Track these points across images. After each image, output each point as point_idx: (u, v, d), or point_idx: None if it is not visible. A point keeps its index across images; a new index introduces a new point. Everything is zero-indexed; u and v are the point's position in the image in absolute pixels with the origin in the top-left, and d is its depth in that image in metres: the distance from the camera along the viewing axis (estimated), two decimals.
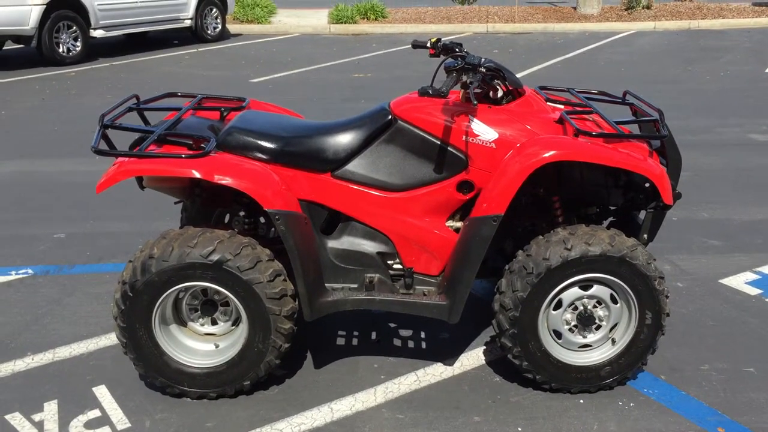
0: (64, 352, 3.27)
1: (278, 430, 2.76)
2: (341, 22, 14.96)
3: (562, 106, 3.25)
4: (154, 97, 3.44)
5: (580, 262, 2.77)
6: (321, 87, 9.31)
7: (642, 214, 3.32)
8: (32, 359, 3.22)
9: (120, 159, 2.81)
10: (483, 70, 2.91)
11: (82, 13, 11.21)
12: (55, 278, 4.01)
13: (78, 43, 11.25)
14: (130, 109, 3.20)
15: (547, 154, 2.72)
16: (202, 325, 3.00)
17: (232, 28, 14.71)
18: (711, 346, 3.30)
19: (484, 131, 2.94)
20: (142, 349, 2.85)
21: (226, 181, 2.70)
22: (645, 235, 3.13)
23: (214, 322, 2.99)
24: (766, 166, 5.95)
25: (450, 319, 2.91)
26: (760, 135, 6.91)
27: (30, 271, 4.10)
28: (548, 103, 3.28)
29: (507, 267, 2.90)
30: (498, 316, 2.88)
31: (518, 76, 10.03)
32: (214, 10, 13.41)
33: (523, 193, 3.14)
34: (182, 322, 2.98)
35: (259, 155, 2.97)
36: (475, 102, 2.77)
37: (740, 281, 3.88)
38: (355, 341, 3.37)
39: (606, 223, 3.41)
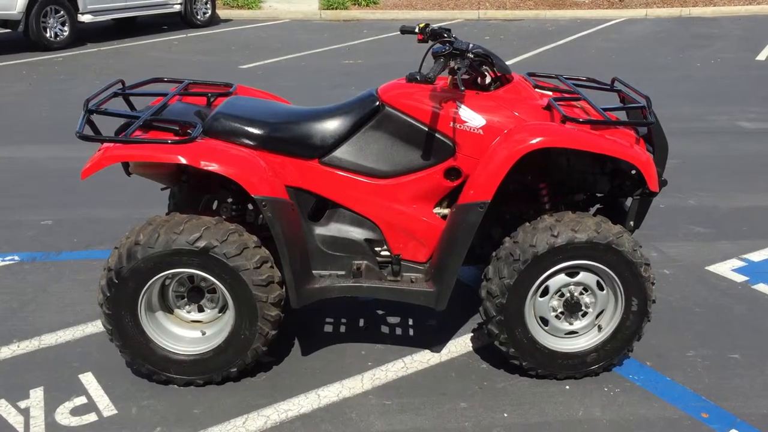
0: (50, 339, 3.26)
1: (266, 417, 2.76)
2: (332, 8, 14.89)
3: (550, 93, 3.24)
4: (140, 82, 3.41)
5: (567, 248, 2.78)
6: (311, 73, 9.27)
7: (629, 201, 3.32)
8: (18, 346, 3.21)
9: (105, 144, 2.79)
10: (471, 55, 2.90)
11: None
12: (42, 265, 3.99)
13: (65, 28, 11.16)
14: (115, 95, 3.18)
15: (533, 141, 2.71)
16: (189, 312, 2.99)
17: (222, 13, 14.61)
18: (697, 332, 3.31)
19: (471, 117, 2.93)
20: (128, 336, 2.84)
21: (213, 167, 2.69)
22: (631, 222, 3.13)
23: (200, 309, 2.99)
24: (753, 153, 5.97)
25: (437, 306, 2.91)
26: (748, 123, 6.93)
27: (17, 257, 4.08)
28: (537, 90, 3.28)
29: (494, 254, 2.90)
30: (485, 302, 2.89)
31: (510, 63, 10.06)
32: None
33: (511, 180, 3.14)
34: (169, 309, 2.97)
35: (246, 141, 2.95)
36: (463, 88, 2.76)
37: (726, 268, 3.90)
38: (342, 328, 3.37)
39: (593, 210, 3.41)
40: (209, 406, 2.81)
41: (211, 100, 3.31)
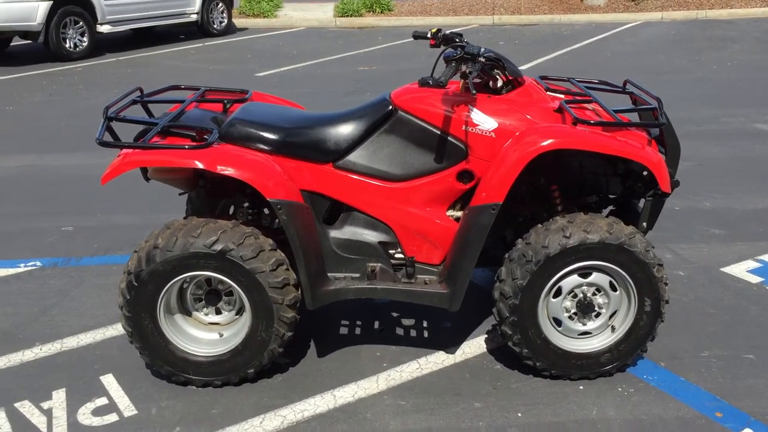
0: (71, 342, 3.33)
1: (282, 417, 2.80)
2: (347, 16, 14.98)
3: (561, 96, 3.27)
4: (158, 89, 3.48)
5: (579, 249, 2.80)
6: (326, 80, 9.34)
7: (642, 203, 3.34)
8: (40, 349, 3.28)
9: (124, 151, 2.85)
10: (482, 59, 2.94)
11: (89, 8, 11.27)
12: (63, 270, 4.06)
13: (84, 39, 11.31)
14: (134, 102, 3.25)
15: (545, 143, 2.74)
16: (207, 314, 3.04)
17: (239, 22, 14.75)
18: (711, 333, 3.32)
19: (483, 121, 2.96)
20: (147, 338, 2.90)
21: (229, 171, 2.74)
22: (644, 224, 3.15)
23: (218, 312, 3.04)
24: None
25: (451, 308, 2.94)
26: (765, 125, 6.90)
27: (38, 263, 4.16)
28: (548, 93, 3.31)
29: (507, 255, 2.93)
30: (498, 304, 2.91)
31: (525, 67, 10.09)
32: (220, 4, 13.46)
33: (523, 182, 3.17)
34: (187, 312, 3.03)
35: (262, 146, 3.00)
36: (474, 91, 2.80)
37: (742, 269, 3.90)
38: (358, 330, 3.40)
39: (606, 211, 3.43)
40: (227, 407, 2.86)
41: (227, 106, 3.36)
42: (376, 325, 3.45)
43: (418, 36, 3.45)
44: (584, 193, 3.26)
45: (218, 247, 2.78)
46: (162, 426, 2.76)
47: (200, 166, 2.73)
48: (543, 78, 3.54)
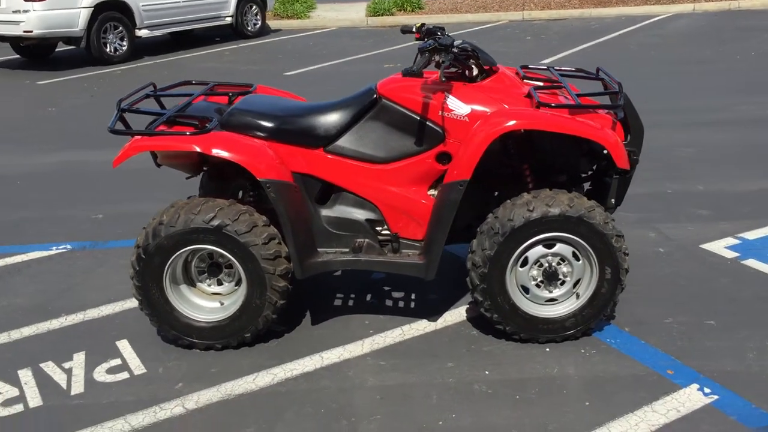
0: (93, 313, 3.70)
1: (273, 375, 3.12)
2: (378, 15, 15.29)
3: (535, 83, 3.53)
4: (171, 84, 3.84)
5: (541, 222, 3.06)
6: (351, 77, 9.67)
7: None
8: (65, 319, 3.66)
9: (134, 138, 3.21)
10: (455, 50, 3.21)
11: (128, 14, 11.78)
12: (90, 252, 4.45)
13: (124, 43, 11.83)
14: (147, 96, 3.62)
15: (507, 124, 3.01)
16: (209, 285, 3.38)
17: (273, 23, 15.18)
18: (678, 302, 3.54)
19: (458, 106, 3.24)
20: (155, 306, 3.25)
21: (223, 154, 3.07)
22: (612, 200, 3.39)
23: (219, 283, 3.37)
24: None
25: (426, 276, 3.23)
26: None
27: (69, 246, 4.56)
28: (525, 80, 3.57)
29: (479, 228, 3.21)
30: (470, 273, 3.19)
31: (546, 60, 10.29)
32: (254, 7, 13.88)
33: (504, 164, 3.43)
34: (192, 283, 3.37)
35: (258, 133, 3.33)
36: (444, 79, 3.08)
37: (720, 246, 4.10)
38: (351, 302, 3.71)
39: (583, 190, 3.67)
40: (225, 366, 3.19)
41: (232, 98, 3.69)
42: (368, 297, 3.75)
43: (406, 30, 3.74)
44: (555, 172, 3.51)
45: (216, 222, 3.11)
46: (167, 382, 3.10)
47: (198, 149, 3.07)
48: (523, 67, 3.80)
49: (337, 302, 3.72)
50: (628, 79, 8.67)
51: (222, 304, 3.34)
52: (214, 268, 3.34)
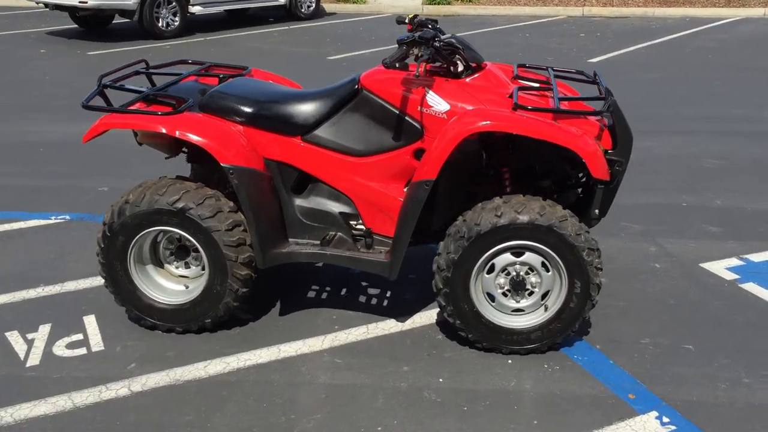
0: (71, 286, 3.73)
1: (226, 363, 3.08)
2: (435, 4, 15.11)
3: (525, 83, 3.39)
4: (166, 63, 3.84)
5: (508, 229, 2.93)
6: None
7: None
8: (43, 290, 3.69)
9: (105, 114, 3.19)
10: (436, 44, 3.10)
11: None
12: (87, 224, 4.50)
13: (176, 18, 11.96)
14: (137, 73, 3.61)
15: (477, 125, 2.89)
16: (177, 267, 3.36)
17: (329, 7, 15.15)
18: (661, 322, 3.37)
19: (437, 102, 3.13)
20: (119, 284, 3.24)
21: (188, 136, 3.04)
22: (596, 210, 3.24)
23: (187, 266, 3.35)
24: None
25: (390, 276, 3.14)
26: None
27: (67, 217, 4.61)
28: (516, 80, 3.44)
29: (447, 231, 3.10)
30: (435, 275, 3.08)
31: (594, 60, 10.01)
32: None
33: (482, 165, 3.31)
34: (160, 264, 3.35)
35: (236, 118, 3.28)
36: (418, 74, 2.98)
37: (721, 266, 3.88)
38: (324, 295, 3.65)
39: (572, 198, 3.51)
40: (182, 351, 3.17)
41: (223, 80, 3.65)
42: (344, 291, 3.68)
43: (400, 21, 3.64)
44: (538, 177, 3.36)
45: (180, 205, 3.08)
46: (120, 361, 3.10)
47: (163, 130, 3.04)
48: (520, 66, 3.66)
49: (311, 294, 3.66)
50: (673, 83, 8.43)
51: (187, 287, 3.32)
52: (182, 251, 3.32)
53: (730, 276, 3.77)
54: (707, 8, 14.80)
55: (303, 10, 13.84)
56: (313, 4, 14.01)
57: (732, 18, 14.17)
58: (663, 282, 3.73)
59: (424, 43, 3.06)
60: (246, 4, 13.03)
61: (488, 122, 2.89)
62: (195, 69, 3.77)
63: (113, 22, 12.88)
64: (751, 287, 3.66)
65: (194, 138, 3.04)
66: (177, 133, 3.03)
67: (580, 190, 3.43)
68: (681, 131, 6.43)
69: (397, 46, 3.04)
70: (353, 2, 15.47)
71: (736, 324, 3.35)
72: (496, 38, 11.81)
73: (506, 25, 13.33)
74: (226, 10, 13.23)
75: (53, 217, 4.60)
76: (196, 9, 12.19)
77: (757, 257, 3.98)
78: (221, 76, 3.68)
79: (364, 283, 3.74)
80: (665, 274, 3.81)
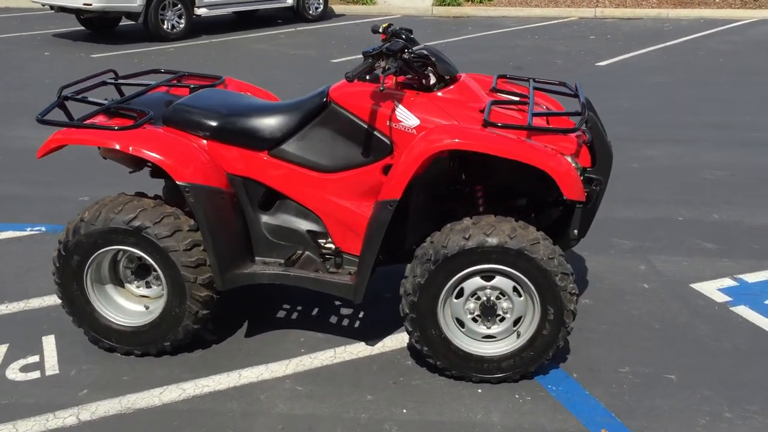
0: (35, 303, 3.61)
1: (182, 390, 2.95)
2: (445, 5, 14.92)
3: (504, 96, 3.24)
4: (136, 73, 3.71)
5: (476, 252, 2.78)
6: None
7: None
8: (6, 307, 3.58)
9: (60, 129, 3.07)
10: (406, 56, 2.95)
11: None
12: None
13: (182, 21, 11.88)
14: (104, 83, 3.49)
15: (443, 143, 2.73)
16: (138, 287, 3.23)
17: (338, 8, 15.02)
18: (643, 348, 3.19)
19: (406, 117, 2.98)
20: (75, 305, 3.12)
21: (141, 152, 2.90)
22: (575, 230, 3.08)
23: (149, 285, 3.22)
24: None
25: (355, 299, 2.99)
26: None
27: (43, 228, 4.50)
28: (493, 92, 3.28)
29: (415, 252, 2.94)
30: (402, 299, 2.93)
31: (603, 63, 9.79)
32: None
33: (455, 183, 3.17)
34: (120, 283, 3.22)
35: (200, 132, 3.15)
36: (383, 87, 2.83)
37: (713, 287, 3.69)
38: (295, 315, 3.50)
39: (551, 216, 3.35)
40: (138, 376, 3.04)
41: (194, 91, 3.52)
42: (315, 311, 3.53)
43: (375, 30, 3.49)
44: (514, 196, 3.21)
45: (136, 223, 2.95)
46: (73, 387, 2.97)
47: (116, 147, 2.91)
48: (501, 77, 3.51)
49: (281, 314, 3.52)
50: (681, 87, 8.19)
51: (147, 308, 3.19)
52: (143, 270, 3.19)
53: (722, 298, 3.58)
54: (722, 9, 14.52)
55: (310, 12, 13.72)
56: (321, 6, 13.89)
57: (747, 20, 13.89)
58: (650, 304, 3.55)
59: (391, 55, 2.92)
60: (252, 6, 12.92)
61: (454, 140, 2.73)
62: (165, 79, 3.64)
63: (120, 24, 12.83)
64: (742, 310, 3.47)
65: (149, 154, 2.90)
66: (130, 149, 2.90)
67: (561, 207, 3.27)
68: (684, 139, 6.22)
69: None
70: (362, 3, 15.33)
71: (722, 351, 3.16)
72: (502, 40, 11.61)
73: (515, 27, 13.13)
74: (234, 12, 13.15)
75: (29, 229, 4.50)
76: (201, 11, 12.12)
77: (751, 277, 3.78)
78: (192, 86, 3.55)
79: (337, 303, 3.60)
80: (653, 295, 3.63)
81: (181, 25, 11.89)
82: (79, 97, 3.27)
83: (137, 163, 3.37)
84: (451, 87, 3.05)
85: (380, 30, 3.41)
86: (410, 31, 3.37)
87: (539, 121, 3.05)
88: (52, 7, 11.96)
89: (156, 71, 3.80)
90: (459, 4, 15.01)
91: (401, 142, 2.98)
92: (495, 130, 2.79)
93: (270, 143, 3.15)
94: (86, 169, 5.59)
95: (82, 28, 12.64)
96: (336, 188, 3.14)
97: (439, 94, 3.02)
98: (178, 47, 11.24)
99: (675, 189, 5.04)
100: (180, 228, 2.99)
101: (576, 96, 3.27)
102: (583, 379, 2.98)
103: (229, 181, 3.15)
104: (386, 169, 3.04)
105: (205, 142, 3.15)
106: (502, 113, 2.99)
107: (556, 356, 3.08)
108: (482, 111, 2.96)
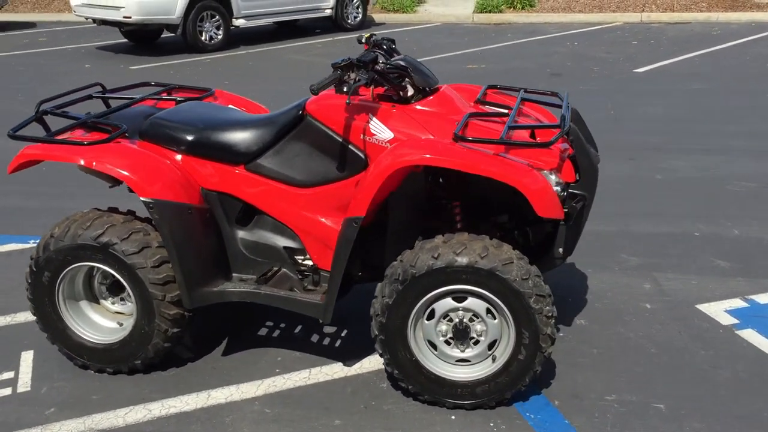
0: (21, 317, 3.60)
1: (148, 411, 2.88)
2: (486, 12, 14.73)
3: (487, 108, 3.10)
4: (127, 86, 3.68)
5: (445, 272, 2.64)
6: None
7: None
8: None
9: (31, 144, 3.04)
10: (379, 68, 2.84)
11: (225, 3, 11.92)
12: None
13: (220, 32, 11.98)
14: (90, 97, 3.47)
15: (409, 158, 2.61)
16: (113, 303, 3.18)
17: (378, 17, 14.98)
18: (634, 375, 2.99)
19: (381, 130, 2.87)
20: (48, 321, 3.09)
21: (105, 168, 2.85)
22: (560, 249, 2.91)
23: (123, 301, 3.17)
24: None
25: (324, 319, 2.88)
26: None
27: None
28: (478, 104, 3.15)
29: (385, 272, 2.82)
30: (372, 320, 2.81)
31: (642, 70, 9.50)
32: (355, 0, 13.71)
33: (432, 198, 3.05)
34: (95, 299, 3.18)
35: (174, 146, 3.09)
36: (349, 101, 2.72)
37: (720, 308, 3.46)
38: (276, 332, 3.41)
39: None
40: (108, 394, 2.98)
41: (180, 104, 3.47)
42: (298, 329, 3.43)
43: (359, 41, 3.40)
44: (494, 213, 3.06)
45: (103, 240, 2.90)
46: (41, 405, 2.93)
47: (81, 162, 2.86)
48: (490, 87, 3.37)
49: (262, 331, 3.43)
50: (721, 94, 7.86)
51: (121, 324, 3.14)
52: (117, 286, 3.14)
53: (728, 320, 3.35)
54: None
55: (349, 21, 13.70)
56: (360, 15, 13.86)
57: None
58: (649, 326, 3.34)
59: (362, 66, 2.81)
60: (291, 16, 12.97)
61: (421, 155, 2.60)
62: (154, 92, 3.60)
63: (161, 36, 13.01)
64: (748, 334, 3.24)
65: (113, 169, 2.85)
66: (94, 164, 2.85)
67: (550, 224, 3.10)
68: (716, 149, 5.93)
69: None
70: (403, 12, 15.24)
71: (720, 380, 2.94)
72: (541, 47, 11.37)
73: (556, 33, 12.86)
74: (276, 22, 13.22)
75: (32, 241, 4.52)
76: (239, 22, 12.21)
77: (763, 298, 3.53)
78: (178, 99, 3.50)
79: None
80: (654, 317, 3.41)
81: (219, 36, 12.00)
82: (59, 111, 3.24)
83: (112, 178, 3.33)
84: (430, 98, 2.93)
85: (363, 40, 3.32)
86: (392, 42, 3.27)
87: (523, 134, 2.90)
88: (94, 21, 12.20)
89: (146, 84, 3.77)
90: (500, 11, 14.79)
91: (375, 155, 2.87)
92: (467, 145, 2.65)
93: (246, 157, 3.07)
94: (91, 181, 5.59)
95: (126, 40, 12.87)
96: (312, 203, 3.04)
97: (417, 106, 2.89)
98: (214, 58, 11.33)
99: (696, 202, 4.79)
100: (149, 244, 2.93)
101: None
102: (565, 407, 2.81)
103: (204, 197, 3.09)
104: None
105: (179, 156, 3.08)
106: (481, 126, 2.85)
107: (540, 381, 2.92)
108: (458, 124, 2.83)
